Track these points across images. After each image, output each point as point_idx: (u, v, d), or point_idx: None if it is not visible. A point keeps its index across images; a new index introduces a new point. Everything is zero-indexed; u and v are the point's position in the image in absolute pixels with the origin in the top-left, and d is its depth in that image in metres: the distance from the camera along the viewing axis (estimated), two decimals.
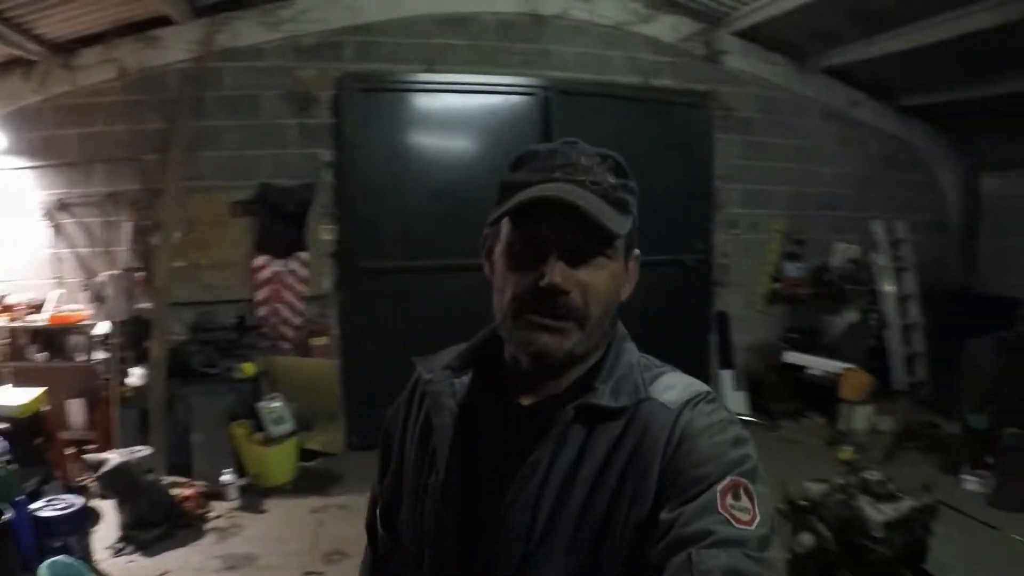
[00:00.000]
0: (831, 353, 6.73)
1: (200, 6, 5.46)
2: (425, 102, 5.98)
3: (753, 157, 6.97)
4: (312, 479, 5.33)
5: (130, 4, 5.13)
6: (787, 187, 7.20)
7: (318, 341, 5.89)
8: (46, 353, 5.41)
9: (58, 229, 5.63)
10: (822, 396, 6.49)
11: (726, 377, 6.91)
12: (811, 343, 7.04)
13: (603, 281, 1.03)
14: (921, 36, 5.91)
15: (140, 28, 5.47)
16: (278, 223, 5.73)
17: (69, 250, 5.66)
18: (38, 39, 5.19)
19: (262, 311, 5.77)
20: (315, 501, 5.02)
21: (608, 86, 6.38)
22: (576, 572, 0.98)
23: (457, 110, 6.04)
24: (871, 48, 6.41)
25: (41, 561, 3.49)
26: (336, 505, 4.96)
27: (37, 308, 5.44)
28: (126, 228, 5.55)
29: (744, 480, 0.93)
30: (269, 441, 5.16)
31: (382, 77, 5.89)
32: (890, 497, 3.64)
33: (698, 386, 1.08)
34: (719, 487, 0.92)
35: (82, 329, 5.47)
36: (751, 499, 0.92)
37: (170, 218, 5.48)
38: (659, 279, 6.55)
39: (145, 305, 5.46)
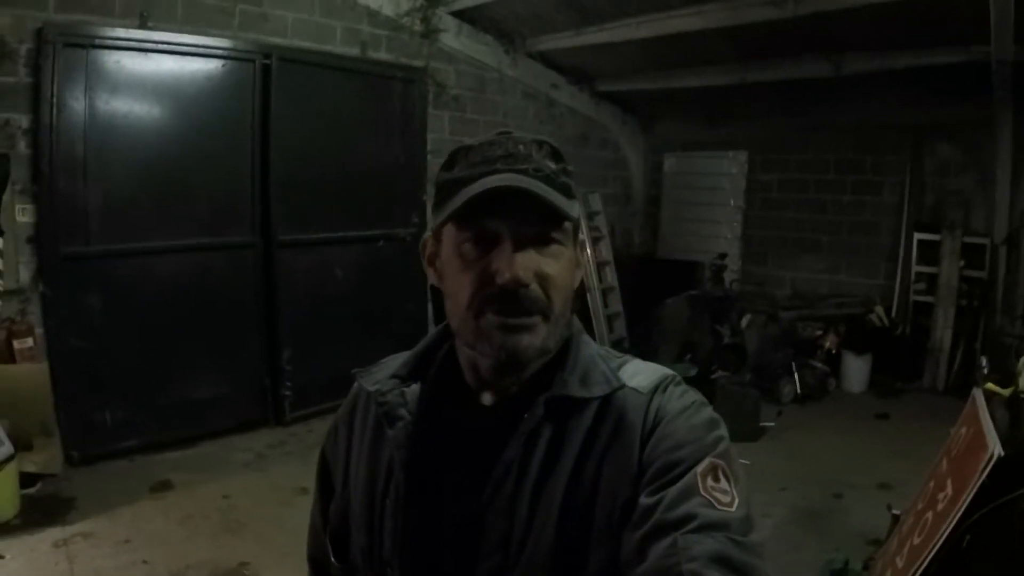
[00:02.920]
0: None
1: None
2: (137, 63, 5.65)
3: (461, 133, 7.67)
4: (40, 507, 4.67)
5: None
6: None
7: (22, 344, 5.16)
8: None
9: None
10: None
11: None
12: None
13: (560, 269, 1.04)
14: (622, 32, 7.11)
15: None
16: None
17: None
18: None
19: None
20: (55, 533, 4.38)
21: (327, 56, 6.65)
22: (562, 573, 0.98)
23: (172, 73, 5.82)
24: (577, 38, 7.38)
25: None
26: (80, 534, 4.38)
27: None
28: None
29: (722, 462, 0.96)
30: None
31: (90, 31, 5.47)
32: None
33: (664, 370, 1.10)
34: (699, 470, 0.94)
35: None
36: (730, 481, 0.95)
37: None
38: (375, 253, 7.02)
39: None
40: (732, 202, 9.27)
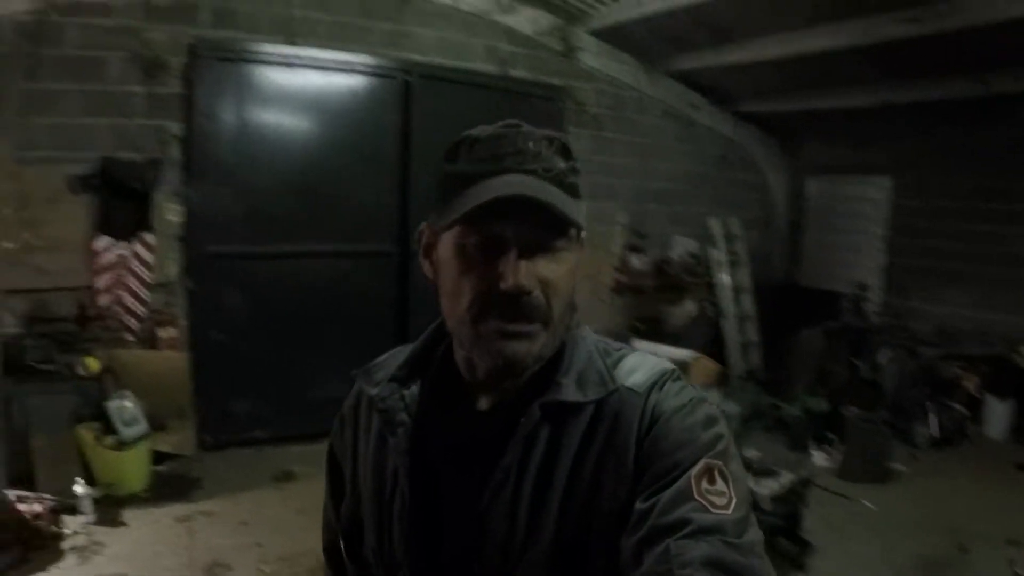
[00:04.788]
0: (675, 342, 7.32)
1: None
2: (283, 77, 5.95)
3: (601, 152, 7.53)
4: (169, 484, 5.05)
5: None
6: (630, 181, 7.86)
7: (166, 333, 5.61)
8: None
9: None
10: None
11: None
12: (655, 332, 7.64)
13: (563, 275, 1.02)
14: (760, 51, 6.68)
15: None
16: (121, 201, 5.39)
17: None
18: None
19: (104, 299, 5.39)
20: (178, 509, 4.75)
21: (467, 73, 6.71)
22: (564, 574, 0.98)
23: (316, 88, 6.07)
24: (717, 57, 7.09)
25: None
26: (202, 512, 4.73)
27: None
28: None
29: (718, 462, 0.95)
30: (122, 445, 4.86)
31: (239, 47, 5.80)
32: (769, 473, 4.18)
33: (663, 365, 1.08)
34: (693, 472, 0.93)
35: None
36: (726, 481, 0.93)
37: None
38: None
39: None
40: (875, 230, 8.72)
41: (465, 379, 1.10)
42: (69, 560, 4.11)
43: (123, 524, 4.56)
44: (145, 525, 4.57)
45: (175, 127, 5.63)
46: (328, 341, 6.06)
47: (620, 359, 1.10)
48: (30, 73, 5.29)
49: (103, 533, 4.41)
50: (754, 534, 0.91)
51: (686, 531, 0.87)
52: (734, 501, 0.91)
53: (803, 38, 6.25)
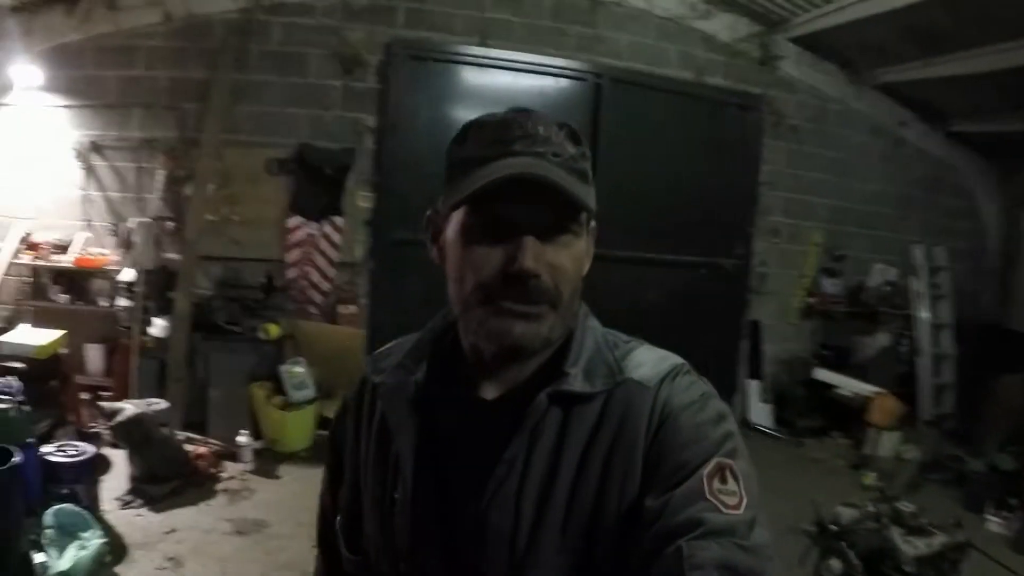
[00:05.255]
0: (861, 374, 6.87)
1: None
2: (475, 76, 6.06)
3: (798, 166, 7.10)
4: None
5: None
6: (828, 200, 7.36)
7: (346, 309, 5.95)
8: (68, 295, 5.50)
9: (90, 171, 5.71)
10: (849, 417, 6.64)
11: (753, 387, 7.01)
12: (841, 361, 7.16)
13: (571, 259, 0.99)
14: (978, 63, 6.09)
15: None
16: (315, 185, 5.80)
17: (99, 193, 5.75)
18: None
19: (292, 273, 5.86)
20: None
21: (660, 79, 6.50)
22: (570, 572, 0.95)
23: (507, 88, 6.10)
24: (927, 69, 6.60)
25: (46, 506, 3.58)
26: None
27: (63, 249, 5.53)
28: (159, 176, 5.63)
29: (729, 461, 0.93)
30: (289, 406, 5.27)
31: (433, 46, 5.97)
32: (922, 531, 3.72)
33: (672, 359, 1.07)
34: (704, 471, 0.91)
35: (107, 274, 5.59)
36: (737, 480, 0.91)
37: (205, 170, 5.57)
38: (693, 280, 6.72)
39: (173, 256, 5.56)
40: None
41: (471, 367, 1.07)
42: (219, 499, 4.56)
43: (277, 477, 5.01)
44: (296, 481, 4.95)
45: (370, 119, 5.93)
46: None
47: (629, 352, 1.07)
48: (238, 65, 5.67)
49: (257, 482, 4.87)
50: (763, 535, 0.88)
51: (698, 532, 0.85)
52: (745, 500, 0.90)
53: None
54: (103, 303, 5.53)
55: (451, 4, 6.01)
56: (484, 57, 6.03)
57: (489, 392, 1.05)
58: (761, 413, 6.88)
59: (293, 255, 5.83)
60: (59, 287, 5.47)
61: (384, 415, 1.10)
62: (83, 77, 5.61)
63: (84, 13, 5.51)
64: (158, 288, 5.43)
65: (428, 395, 1.07)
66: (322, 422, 5.47)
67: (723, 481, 0.90)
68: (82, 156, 5.62)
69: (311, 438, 5.39)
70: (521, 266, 0.93)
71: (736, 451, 0.95)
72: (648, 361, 1.05)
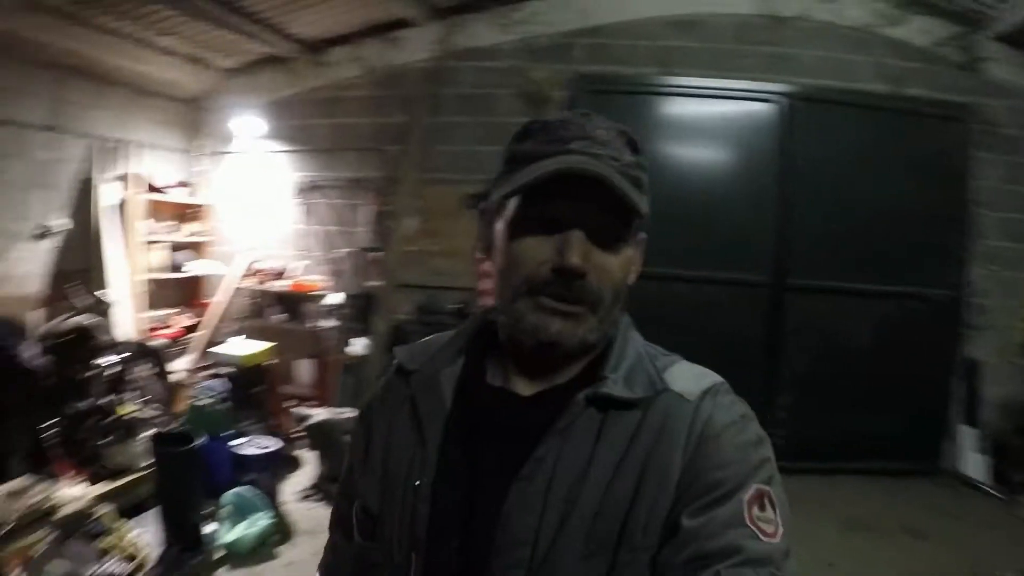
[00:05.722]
0: None
1: (439, 8, 6.12)
2: (657, 105, 6.11)
3: (1018, 181, 6.41)
4: None
5: (374, 7, 5.91)
6: None
7: None
8: (283, 315, 6.23)
9: (308, 207, 6.51)
10: None
11: (967, 435, 6.19)
12: None
13: (618, 265, 1.00)
14: None
15: (384, 29, 6.31)
16: None
17: (316, 227, 6.54)
18: (292, 38, 6.20)
19: (483, 301, 6.04)
20: None
21: (852, 94, 6.21)
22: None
23: (690, 115, 6.11)
24: None
25: (231, 489, 4.12)
26: None
27: (280, 275, 6.33)
28: (367, 211, 6.31)
29: (768, 488, 0.93)
30: None
31: (614, 79, 6.11)
32: None
33: (713, 376, 1.05)
34: (745, 497, 0.90)
35: (317, 298, 6.26)
36: (774, 508, 0.91)
37: (406, 206, 6.13)
38: (894, 311, 6.21)
39: (376, 283, 6.11)
40: None
41: (508, 362, 1.07)
42: None
43: None
44: None
45: None
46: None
47: (669, 365, 1.06)
48: (432, 109, 6.19)
49: None
50: (794, 566, 0.89)
51: (738, 560, 0.85)
52: (781, 529, 0.90)
53: None
54: (312, 323, 6.19)
55: (629, 36, 6.15)
56: (666, 86, 6.09)
57: (525, 389, 1.05)
58: (975, 465, 6.07)
59: (484, 284, 6.04)
60: (276, 308, 6.23)
61: (415, 402, 1.10)
62: (298, 126, 6.47)
63: (297, 71, 6.41)
64: (361, 311, 6.00)
65: (461, 388, 1.08)
66: None
67: (762, 508, 0.90)
68: (301, 194, 6.41)
69: None
70: (568, 262, 0.94)
71: (773, 478, 0.95)
72: (688, 375, 1.04)
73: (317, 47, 6.42)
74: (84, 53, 5.65)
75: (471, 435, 1.04)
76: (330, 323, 6.09)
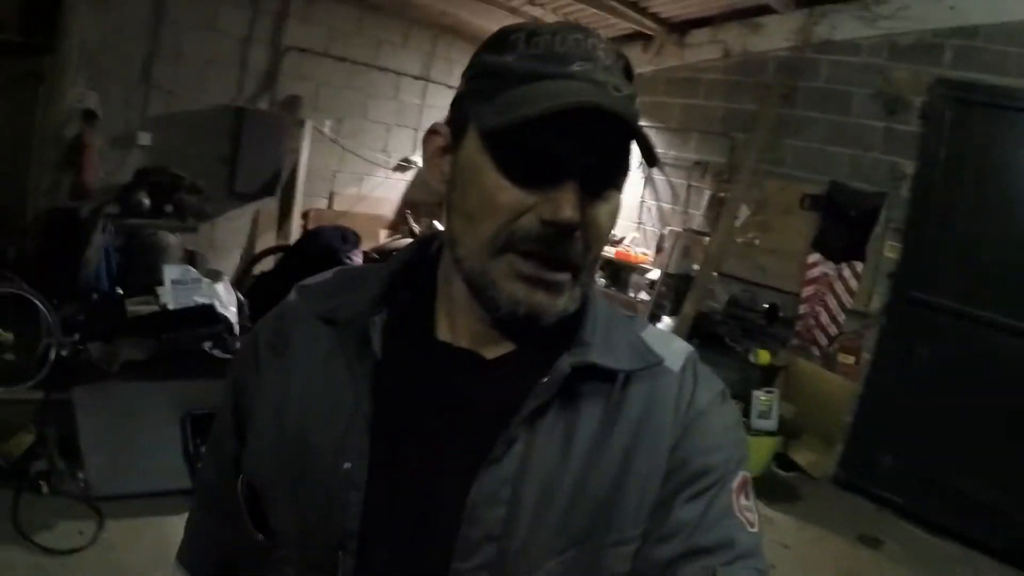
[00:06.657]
0: None
1: None
2: None
3: None
4: (777, 488, 5.22)
5: None
6: None
7: (846, 359, 5.71)
8: (606, 281, 6.83)
9: (649, 182, 6.95)
10: None
11: None
12: None
13: (608, 219, 0.84)
14: None
15: (746, 14, 6.32)
16: (839, 225, 5.77)
17: (654, 202, 6.97)
18: (655, 17, 6.52)
19: (802, 308, 5.95)
20: (762, 510, 4.68)
21: None
22: (573, 571, 0.81)
23: None
24: None
25: None
26: (789, 527, 4.81)
27: (613, 243, 6.80)
28: (705, 195, 6.58)
29: (748, 473, 0.87)
30: (746, 430, 5.12)
31: (982, 89, 5.26)
32: None
33: (681, 340, 0.96)
34: (734, 486, 0.84)
35: (641, 271, 6.74)
36: (751, 496, 0.87)
37: (742, 195, 6.18)
38: None
39: (696, 266, 6.32)
40: None
41: (465, 317, 0.88)
42: None
43: None
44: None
45: (908, 165, 5.56)
46: (999, 439, 4.94)
47: (641, 328, 0.95)
48: (785, 101, 6.16)
49: None
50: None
51: (731, 555, 0.80)
52: (757, 517, 0.86)
53: None
54: (631, 293, 6.70)
55: (1006, 42, 5.22)
56: None
57: (488, 351, 0.88)
58: None
59: (807, 291, 5.89)
60: (602, 273, 6.79)
61: (329, 356, 0.90)
62: (653, 103, 6.80)
63: (657, 49, 6.79)
64: (676, 292, 6.29)
65: (395, 341, 0.89)
66: (787, 464, 5.47)
67: (746, 497, 0.85)
68: (644, 169, 6.81)
69: (761, 470, 5.02)
70: (562, 215, 0.77)
71: (745, 459, 0.89)
72: (662, 340, 0.93)
73: (679, 27, 6.66)
74: (458, 15, 6.67)
75: (415, 403, 0.87)
76: (644, 296, 6.50)
